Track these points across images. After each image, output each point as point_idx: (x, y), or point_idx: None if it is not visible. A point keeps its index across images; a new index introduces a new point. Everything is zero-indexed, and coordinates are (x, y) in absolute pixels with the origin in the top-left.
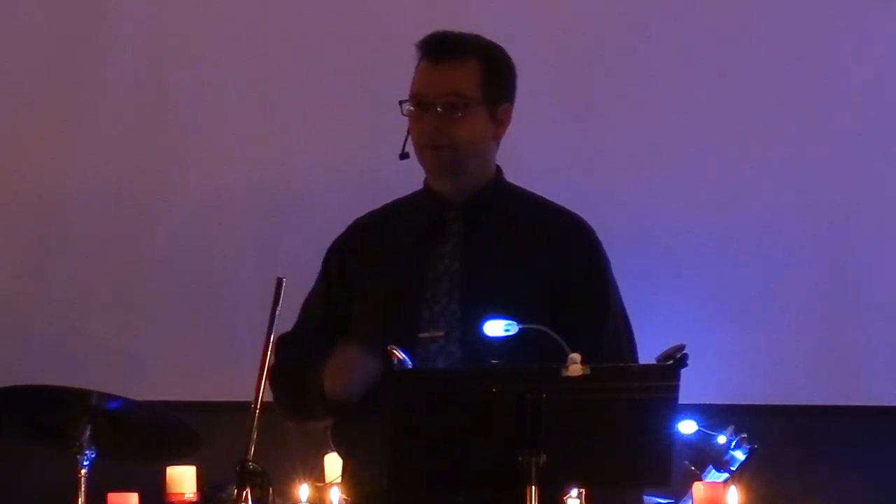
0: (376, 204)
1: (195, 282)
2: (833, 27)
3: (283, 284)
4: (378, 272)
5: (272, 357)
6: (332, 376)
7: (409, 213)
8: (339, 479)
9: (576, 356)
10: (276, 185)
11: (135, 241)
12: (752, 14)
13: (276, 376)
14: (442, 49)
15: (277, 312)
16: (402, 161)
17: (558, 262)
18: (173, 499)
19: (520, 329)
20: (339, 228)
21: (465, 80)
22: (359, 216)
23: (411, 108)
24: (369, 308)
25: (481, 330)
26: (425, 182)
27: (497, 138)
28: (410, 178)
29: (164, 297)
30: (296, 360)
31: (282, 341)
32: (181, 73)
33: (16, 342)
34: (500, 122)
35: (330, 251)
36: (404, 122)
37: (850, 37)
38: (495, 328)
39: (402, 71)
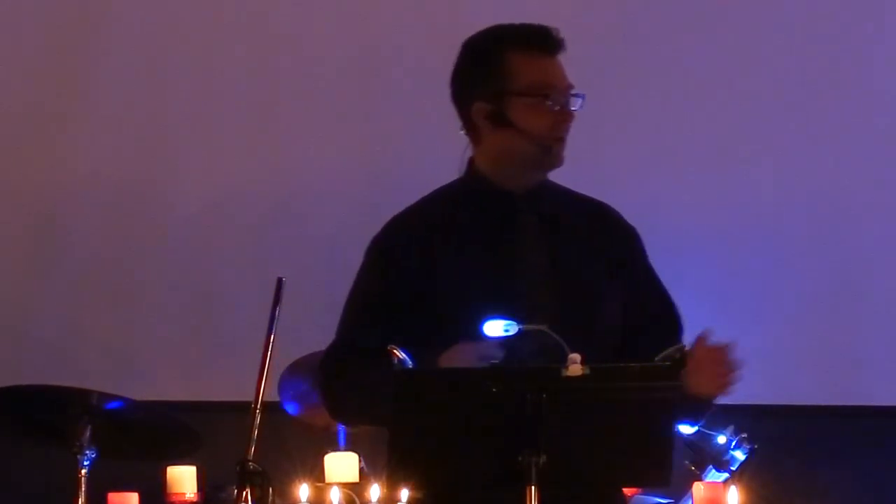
0: (377, 203)
1: (195, 282)
2: (834, 28)
3: (283, 284)
4: (455, 269)
5: (332, 366)
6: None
7: (469, 205)
8: (341, 479)
9: (576, 356)
10: (276, 186)
11: (135, 241)
12: (753, 13)
13: (352, 382)
14: (555, 42)
15: (277, 312)
16: (402, 160)
17: (618, 252)
18: (173, 499)
19: (520, 329)
20: (339, 228)
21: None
22: (395, 214)
23: (533, 101)
24: (454, 306)
25: (481, 330)
26: (472, 172)
27: None
28: (411, 177)
29: (164, 298)
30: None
31: (349, 351)
32: (181, 73)
33: (16, 342)
34: None
35: (381, 253)
36: (402, 122)
37: (850, 37)
38: (495, 328)
39: (401, 71)
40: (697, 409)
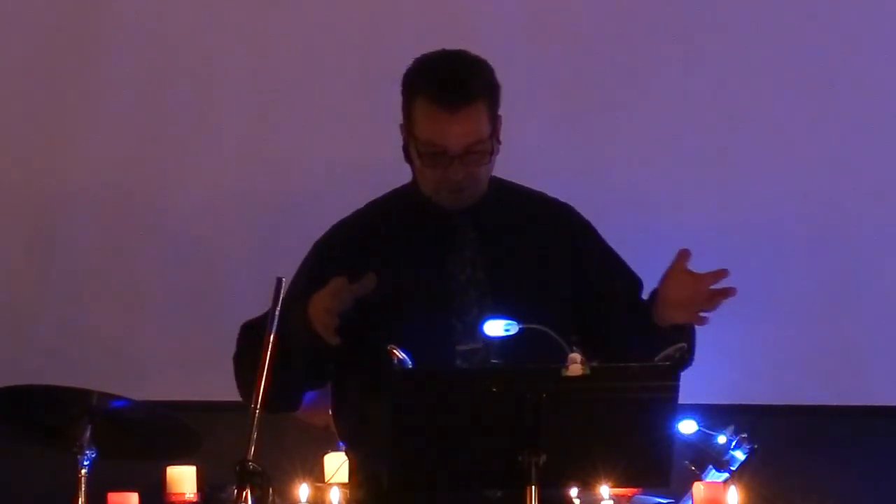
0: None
1: (195, 282)
2: (834, 28)
3: (283, 284)
4: (387, 281)
5: (239, 345)
6: (316, 310)
7: (408, 217)
8: (341, 479)
9: (576, 356)
10: (276, 186)
11: (135, 240)
12: (754, 13)
13: (245, 361)
14: (455, 98)
15: (277, 312)
16: (402, 161)
17: (566, 253)
18: (173, 499)
19: (520, 329)
20: None
21: (480, 124)
22: (343, 217)
23: (425, 154)
24: (382, 316)
25: (482, 331)
26: (414, 184)
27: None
28: (410, 177)
29: (164, 298)
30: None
31: (247, 327)
32: (181, 72)
33: (16, 342)
34: (498, 132)
35: (318, 255)
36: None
37: (851, 37)
38: (495, 328)
39: (402, 71)
40: (661, 333)
